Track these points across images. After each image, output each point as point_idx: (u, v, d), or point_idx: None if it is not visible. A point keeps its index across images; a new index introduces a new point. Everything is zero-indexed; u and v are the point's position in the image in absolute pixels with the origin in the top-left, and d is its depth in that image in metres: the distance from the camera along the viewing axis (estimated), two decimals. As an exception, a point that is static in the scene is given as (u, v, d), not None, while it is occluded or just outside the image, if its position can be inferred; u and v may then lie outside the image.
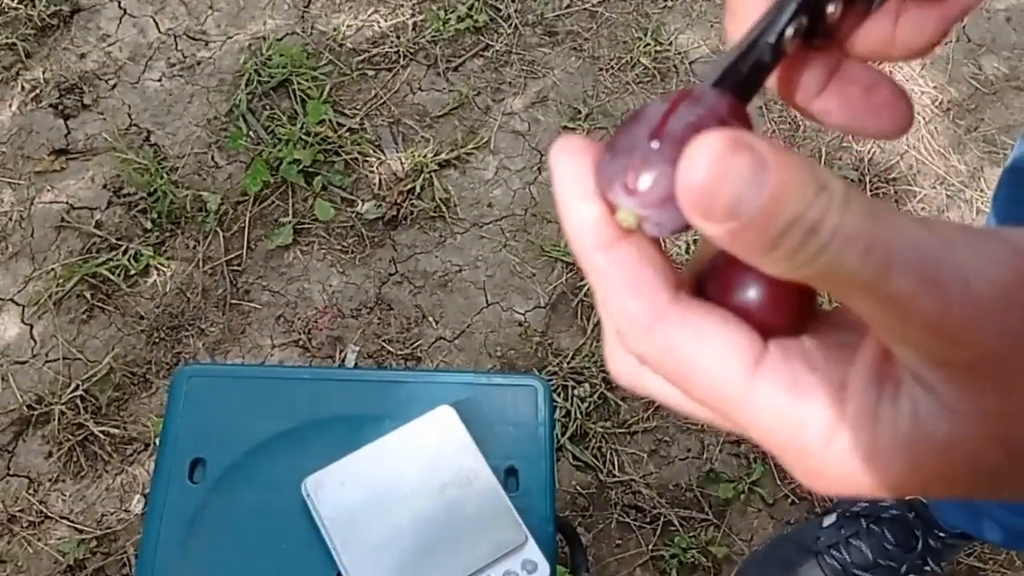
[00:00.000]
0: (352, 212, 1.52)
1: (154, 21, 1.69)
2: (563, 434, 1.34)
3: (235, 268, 1.49)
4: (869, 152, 1.52)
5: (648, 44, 1.63)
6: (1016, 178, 0.93)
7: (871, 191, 1.49)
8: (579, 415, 1.36)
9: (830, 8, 0.30)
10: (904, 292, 0.22)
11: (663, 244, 0.27)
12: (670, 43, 1.62)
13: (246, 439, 0.83)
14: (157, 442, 1.06)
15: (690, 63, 1.63)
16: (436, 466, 0.80)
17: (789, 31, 0.29)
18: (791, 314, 0.26)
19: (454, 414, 0.83)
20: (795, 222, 0.22)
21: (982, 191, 1.46)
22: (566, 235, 0.26)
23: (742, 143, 0.22)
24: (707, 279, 0.27)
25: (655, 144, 0.25)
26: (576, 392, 1.37)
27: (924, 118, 1.55)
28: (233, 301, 1.46)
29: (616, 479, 1.34)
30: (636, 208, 0.25)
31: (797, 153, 0.23)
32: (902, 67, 1.59)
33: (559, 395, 1.37)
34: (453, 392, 0.86)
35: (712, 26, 1.65)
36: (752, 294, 0.26)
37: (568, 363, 1.40)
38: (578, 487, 1.34)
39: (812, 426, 0.24)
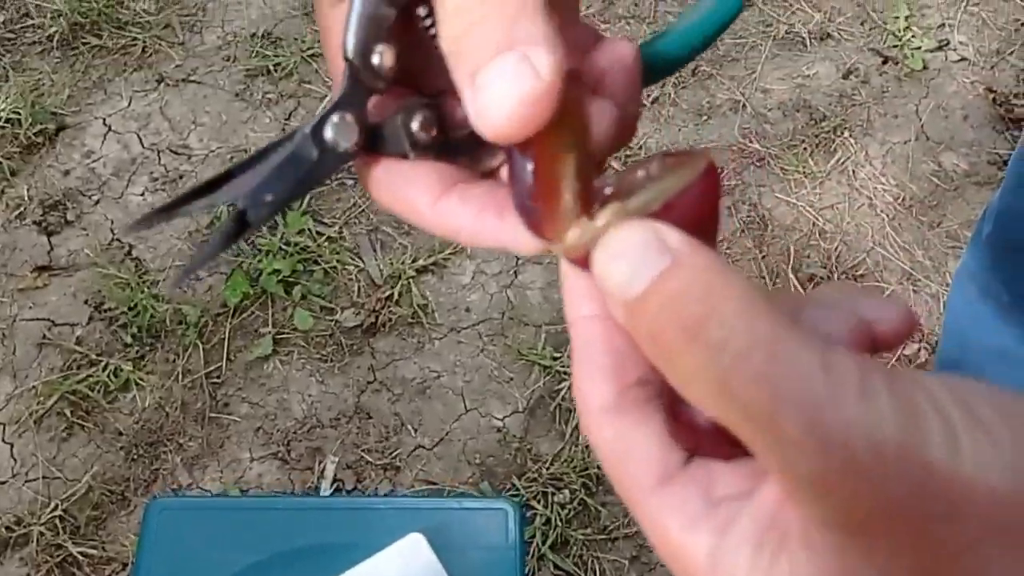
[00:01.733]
0: (331, 320, 1.54)
1: (138, 137, 1.74)
2: (543, 543, 1.34)
3: (214, 380, 1.50)
4: (836, 250, 1.56)
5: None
6: None
7: (840, 289, 1.51)
8: (559, 522, 1.36)
9: (370, 104, 0.30)
10: (790, 439, 0.21)
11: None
12: (640, 147, 1.67)
13: (218, 572, 0.84)
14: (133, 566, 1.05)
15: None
16: (406, 598, 0.80)
17: (332, 126, 0.29)
18: (721, 436, 0.25)
19: (424, 542, 0.84)
20: (682, 323, 0.21)
21: (947, 285, 1.48)
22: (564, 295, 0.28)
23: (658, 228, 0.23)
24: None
25: None
26: (556, 499, 1.37)
27: (888, 215, 1.59)
28: (212, 414, 1.47)
29: (598, 587, 1.33)
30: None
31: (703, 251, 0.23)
32: (864, 166, 1.63)
33: (539, 502, 1.37)
34: (424, 518, 0.87)
35: (680, 129, 1.70)
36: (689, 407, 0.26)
37: (547, 469, 1.40)
38: (560, 596, 1.33)
39: (692, 559, 0.24)
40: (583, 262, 0.26)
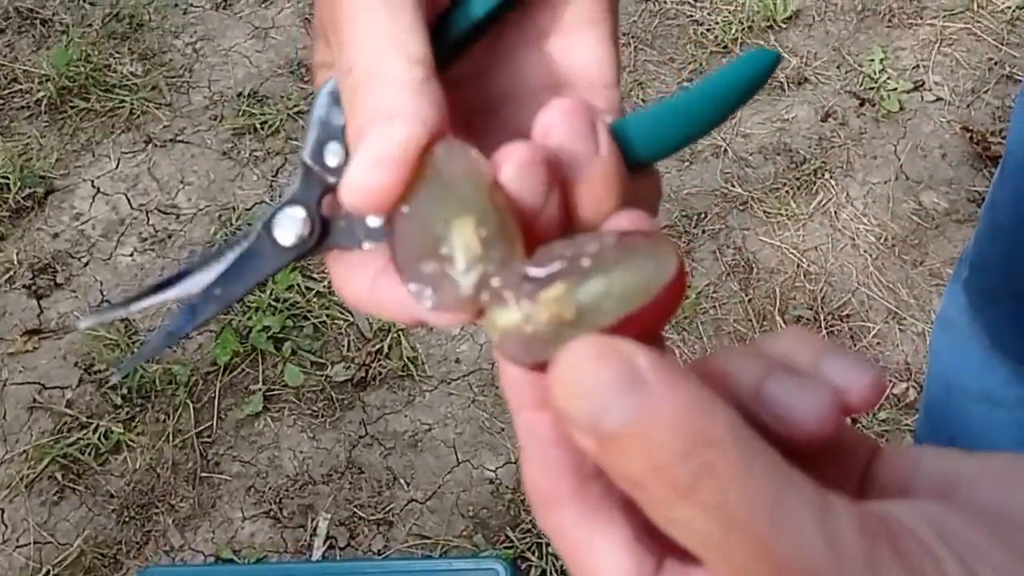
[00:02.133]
0: (322, 375, 1.54)
1: (126, 198, 1.75)
2: (539, 595, 1.33)
3: (205, 440, 1.49)
4: (822, 291, 1.57)
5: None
6: None
7: (826, 330, 1.52)
8: (555, 573, 1.35)
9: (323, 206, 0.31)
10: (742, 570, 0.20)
11: None
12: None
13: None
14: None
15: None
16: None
17: (284, 222, 0.30)
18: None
19: None
20: (670, 479, 0.20)
21: (932, 323, 1.50)
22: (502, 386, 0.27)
23: (620, 354, 0.21)
24: None
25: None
26: (551, 550, 1.37)
27: (871, 255, 1.60)
28: (203, 474, 1.46)
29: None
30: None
31: (683, 373, 0.21)
32: (846, 207, 1.65)
33: (533, 553, 1.37)
34: None
35: (663, 175, 1.72)
36: None
37: (541, 519, 1.39)
38: (557, 649, 1.31)
39: None
40: (519, 353, 0.25)
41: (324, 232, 0.31)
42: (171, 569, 1.04)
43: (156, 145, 1.80)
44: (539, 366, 0.24)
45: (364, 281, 0.30)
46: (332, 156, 0.30)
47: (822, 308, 1.55)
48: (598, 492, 0.25)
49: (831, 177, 1.69)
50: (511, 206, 0.26)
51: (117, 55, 1.91)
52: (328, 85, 0.30)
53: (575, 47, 0.32)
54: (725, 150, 1.73)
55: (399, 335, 1.58)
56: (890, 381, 1.47)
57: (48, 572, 1.37)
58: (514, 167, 0.26)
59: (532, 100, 0.32)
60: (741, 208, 1.66)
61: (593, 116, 0.28)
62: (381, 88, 0.26)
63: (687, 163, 1.72)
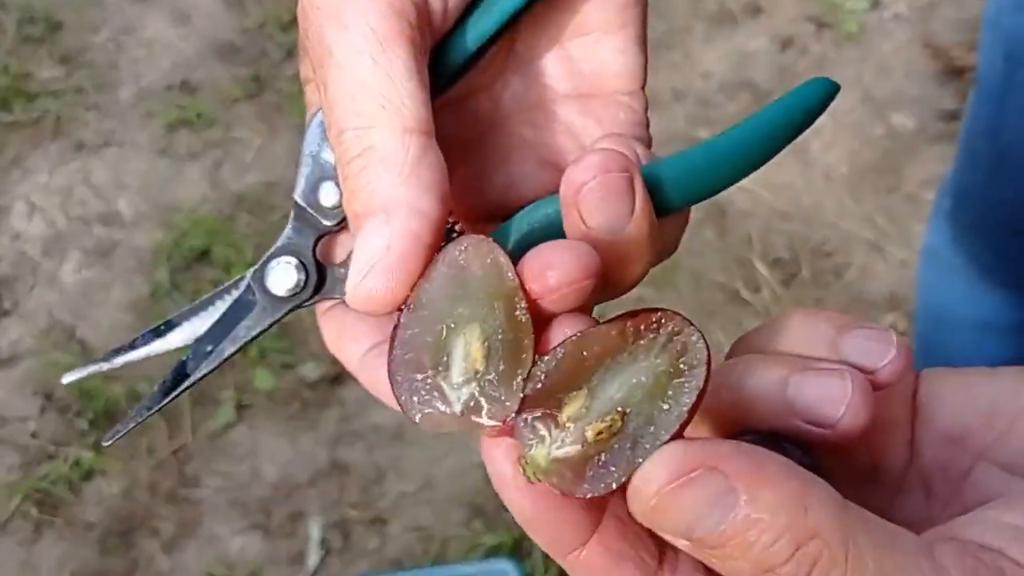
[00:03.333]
0: (293, 376, 1.49)
1: (63, 211, 1.66)
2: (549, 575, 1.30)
3: (180, 457, 1.43)
4: (799, 231, 1.53)
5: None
6: None
7: (811, 271, 1.49)
8: (558, 553, 1.32)
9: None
10: None
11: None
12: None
13: None
14: None
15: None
16: None
17: (274, 271, 0.29)
18: None
19: None
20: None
21: (913, 250, 1.46)
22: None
23: (709, 467, 0.21)
24: None
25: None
26: (551, 529, 1.33)
27: (845, 187, 1.56)
28: (183, 492, 1.41)
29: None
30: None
31: (786, 470, 0.21)
32: (814, 139, 1.60)
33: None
34: None
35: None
36: None
37: (538, 498, 1.36)
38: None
39: None
40: (573, 484, 0.23)
41: (321, 280, 0.29)
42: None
43: (88, 151, 1.70)
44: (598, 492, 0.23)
45: (355, 352, 0.29)
46: (326, 196, 0.28)
47: (801, 248, 1.50)
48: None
49: (796, 109, 1.64)
50: (532, 316, 0.24)
51: (36, 60, 1.80)
52: (316, 118, 0.28)
53: (600, 51, 0.30)
54: (685, 92, 1.67)
55: (369, 324, 1.52)
56: (877, 314, 1.45)
57: (35, 613, 1.32)
58: (559, 293, 0.24)
59: (553, 113, 0.30)
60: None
61: (630, 167, 0.26)
62: (373, 171, 0.25)
63: (649, 109, 1.66)
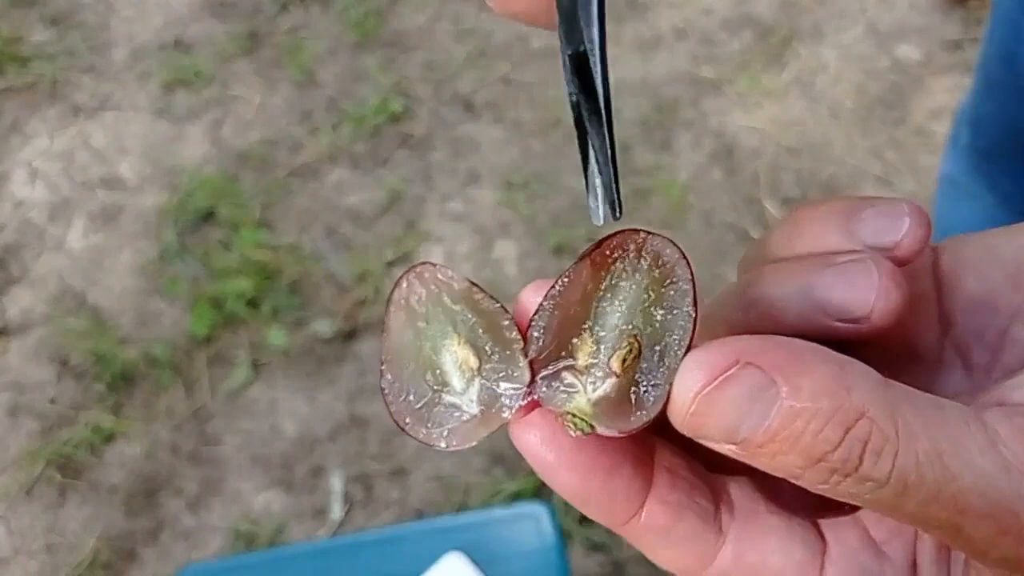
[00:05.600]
0: (307, 333, 1.49)
1: (67, 175, 1.65)
2: (570, 518, 1.32)
3: (200, 417, 1.44)
4: (807, 167, 1.52)
5: (566, 97, 1.61)
6: None
7: (816, 206, 1.48)
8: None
9: None
10: (980, 538, 0.21)
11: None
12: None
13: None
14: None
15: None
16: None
17: None
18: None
19: (464, 559, 0.83)
20: (833, 463, 0.20)
21: (923, 183, 1.46)
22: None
23: (743, 363, 0.20)
24: None
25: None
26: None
27: (852, 121, 1.55)
28: (205, 451, 1.42)
29: (632, 553, 1.31)
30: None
31: (830, 365, 0.20)
32: (819, 74, 1.58)
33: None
34: (459, 535, 0.86)
35: (626, 66, 1.64)
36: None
37: (556, 443, 1.37)
38: (594, 570, 1.31)
39: None
40: (619, 421, 0.22)
41: None
42: (210, 564, 1.00)
43: (86, 115, 1.68)
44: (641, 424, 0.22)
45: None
46: None
47: (809, 184, 1.50)
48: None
49: (800, 44, 1.61)
50: (490, 300, 0.24)
51: (27, 24, 1.77)
52: None
53: None
54: (686, 31, 1.65)
55: (380, 280, 1.52)
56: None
57: (66, 575, 1.34)
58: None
59: None
60: (714, 92, 1.58)
61: None
62: None
63: (650, 50, 1.64)
